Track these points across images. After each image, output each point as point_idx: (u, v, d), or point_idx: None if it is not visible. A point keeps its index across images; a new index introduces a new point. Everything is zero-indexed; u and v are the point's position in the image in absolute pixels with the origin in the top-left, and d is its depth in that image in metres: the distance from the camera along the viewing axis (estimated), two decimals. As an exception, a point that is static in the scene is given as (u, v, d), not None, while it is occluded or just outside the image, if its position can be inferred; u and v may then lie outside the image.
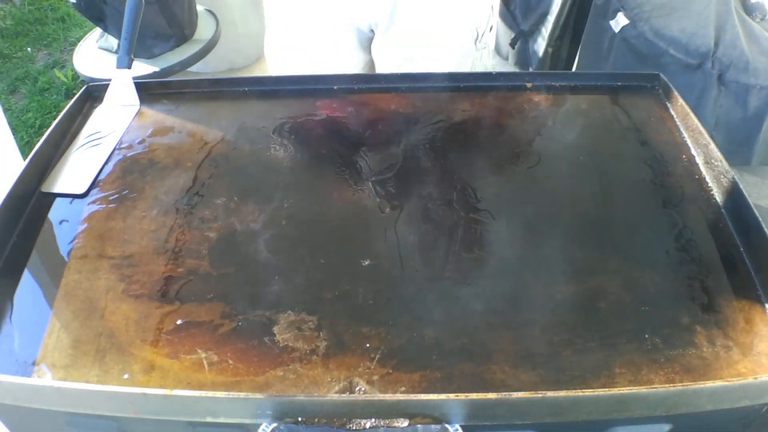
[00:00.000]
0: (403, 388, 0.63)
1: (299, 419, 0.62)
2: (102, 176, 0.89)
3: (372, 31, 1.31)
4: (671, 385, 0.62)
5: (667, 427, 0.66)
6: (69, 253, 0.78)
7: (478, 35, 1.30)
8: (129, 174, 0.90)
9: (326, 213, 0.83)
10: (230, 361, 0.66)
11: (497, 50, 2.05)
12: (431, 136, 0.95)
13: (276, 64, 1.41)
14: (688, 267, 0.75)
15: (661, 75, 1.03)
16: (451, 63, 1.29)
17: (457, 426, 0.62)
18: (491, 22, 1.34)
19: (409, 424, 0.61)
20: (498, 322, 0.69)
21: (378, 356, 0.66)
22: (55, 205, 0.85)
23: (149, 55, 1.92)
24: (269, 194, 0.86)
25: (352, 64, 1.37)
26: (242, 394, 0.60)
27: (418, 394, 0.61)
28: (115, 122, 0.99)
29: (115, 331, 0.69)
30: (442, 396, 0.60)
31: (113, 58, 1.17)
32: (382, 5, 1.24)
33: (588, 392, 0.61)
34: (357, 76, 1.08)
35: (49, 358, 0.66)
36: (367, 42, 1.34)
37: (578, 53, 1.86)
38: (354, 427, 0.62)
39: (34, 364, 0.66)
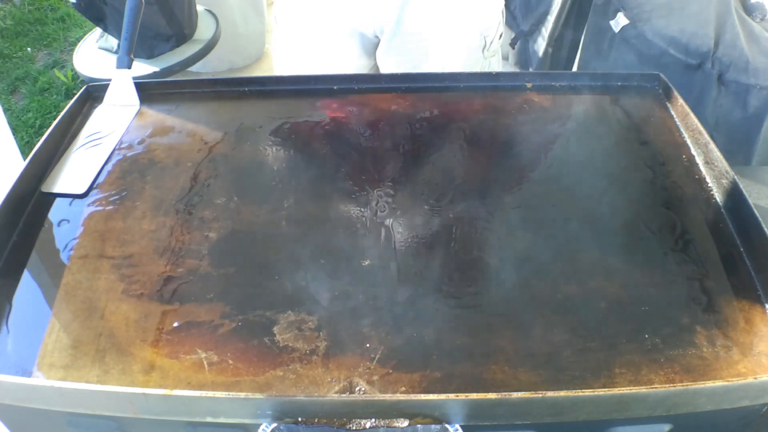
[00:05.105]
0: (403, 388, 0.63)
1: (299, 419, 0.62)
2: (102, 176, 0.89)
3: (377, 37, 1.30)
4: (671, 385, 0.62)
5: (667, 427, 0.66)
6: (69, 254, 0.78)
7: (486, 43, 1.29)
8: (129, 174, 0.90)
9: (326, 213, 0.83)
10: (230, 361, 0.66)
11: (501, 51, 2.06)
12: (431, 137, 0.95)
13: (281, 66, 1.41)
14: (688, 267, 0.75)
15: (661, 75, 1.03)
16: (457, 71, 1.29)
17: (457, 426, 0.62)
18: (500, 29, 1.33)
19: (409, 424, 0.61)
20: (498, 323, 0.69)
21: (378, 356, 0.66)
22: (55, 205, 0.85)
23: (149, 55, 1.92)
24: (269, 194, 0.86)
25: (355, 70, 1.36)
26: (242, 394, 0.60)
27: (418, 394, 0.61)
28: (115, 122, 0.99)
29: (115, 331, 0.69)
30: (442, 396, 0.60)
31: (113, 58, 1.17)
32: (388, 12, 1.23)
33: (588, 392, 0.61)
34: (357, 76, 1.08)
35: (49, 358, 0.66)
36: (372, 48, 1.33)
37: (578, 53, 1.86)
38: (354, 427, 0.62)
39: (34, 364, 0.66)
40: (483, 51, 1.29)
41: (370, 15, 1.25)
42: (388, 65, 1.32)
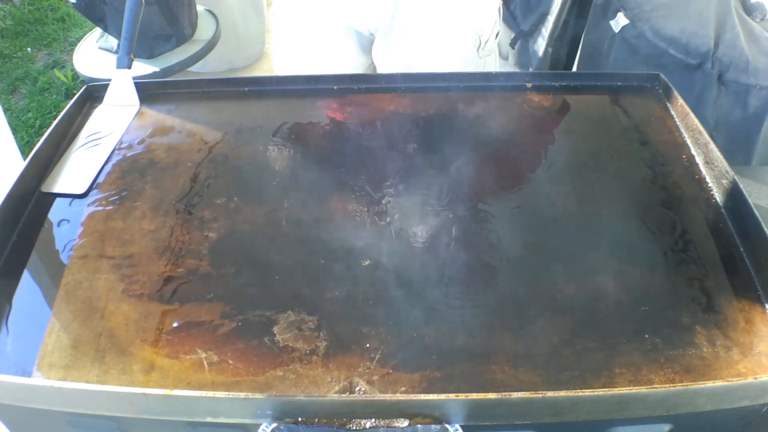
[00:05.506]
0: (403, 388, 0.63)
1: (299, 419, 0.62)
2: (102, 176, 0.89)
3: (372, 35, 1.31)
4: (671, 385, 0.62)
5: (667, 427, 0.66)
6: (69, 254, 0.78)
7: (480, 43, 1.29)
8: (129, 174, 0.90)
9: (326, 213, 0.83)
10: (230, 361, 0.66)
11: (497, 50, 2.05)
12: (431, 137, 0.95)
13: (280, 64, 1.41)
14: (688, 267, 0.75)
15: (661, 75, 1.03)
16: (452, 70, 1.28)
17: (457, 426, 0.62)
18: (496, 29, 1.33)
19: (409, 424, 0.61)
20: (498, 323, 0.69)
21: (378, 356, 0.66)
22: (55, 205, 0.85)
23: (149, 55, 1.92)
24: (269, 194, 0.86)
25: (353, 67, 1.37)
26: (242, 394, 0.60)
27: (418, 394, 0.61)
28: (115, 122, 0.99)
29: (115, 331, 0.69)
30: (442, 396, 0.60)
31: (113, 58, 1.17)
32: (382, 11, 1.24)
33: (588, 392, 0.61)
34: (357, 76, 1.08)
35: (49, 358, 0.66)
36: (368, 45, 1.34)
37: (578, 53, 1.86)
38: (354, 427, 0.62)
39: (34, 364, 0.66)
40: (478, 50, 1.29)
41: (364, 13, 1.26)
42: (384, 63, 1.32)
